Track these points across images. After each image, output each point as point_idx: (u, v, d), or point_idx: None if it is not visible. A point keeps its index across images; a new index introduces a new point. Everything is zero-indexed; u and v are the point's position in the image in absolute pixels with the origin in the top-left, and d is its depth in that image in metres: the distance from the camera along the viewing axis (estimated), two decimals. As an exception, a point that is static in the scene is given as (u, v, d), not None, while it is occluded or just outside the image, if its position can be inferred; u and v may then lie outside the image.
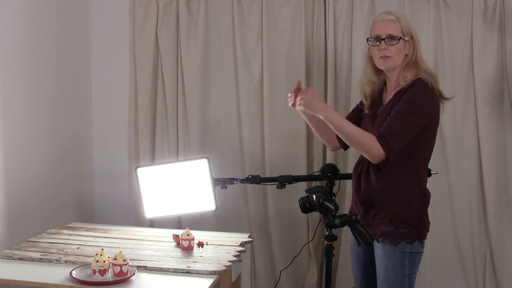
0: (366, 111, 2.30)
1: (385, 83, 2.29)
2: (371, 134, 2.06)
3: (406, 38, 2.14)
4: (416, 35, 2.18)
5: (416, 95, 2.08)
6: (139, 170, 2.63)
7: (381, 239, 2.14)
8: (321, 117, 2.11)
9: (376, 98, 2.29)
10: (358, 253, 2.28)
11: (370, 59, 2.26)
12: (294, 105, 2.25)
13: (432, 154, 2.23)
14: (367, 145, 2.05)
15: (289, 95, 2.30)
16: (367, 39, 2.22)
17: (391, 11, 2.22)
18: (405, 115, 2.07)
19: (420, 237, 2.14)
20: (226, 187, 2.65)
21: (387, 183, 2.14)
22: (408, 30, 2.16)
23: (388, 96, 2.23)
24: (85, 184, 3.36)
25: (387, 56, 2.14)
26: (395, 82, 2.20)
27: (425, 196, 2.19)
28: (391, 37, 2.13)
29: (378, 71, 2.26)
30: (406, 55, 2.17)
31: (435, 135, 2.20)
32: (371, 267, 2.23)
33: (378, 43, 2.15)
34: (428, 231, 2.19)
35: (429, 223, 2.20)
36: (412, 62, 2.16)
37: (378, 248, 2.16)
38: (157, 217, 2.72)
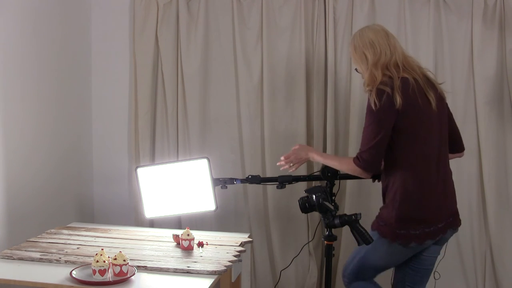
0: None
1: None
2: (349, 158, 2.28)
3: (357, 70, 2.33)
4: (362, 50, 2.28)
5: (368, 106, 2.19)
6: (139, 170, 2.64)
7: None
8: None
9: None
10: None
11: None
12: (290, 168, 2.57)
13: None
14: (348, 169, 2.26)
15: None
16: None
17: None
18: (365, 128, 2.20)
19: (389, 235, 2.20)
20: (226, 187, 2.65)
21: (385, 183, 2.26)
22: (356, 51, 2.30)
23: None
24: (85, 184, 3.36)
25: None
26: None
27: (406, 193, 2.18)
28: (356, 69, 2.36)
29: None
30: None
31: (410, 134, 2.18)
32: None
33: None
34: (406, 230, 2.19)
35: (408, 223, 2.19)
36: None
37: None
38: (157, 217, 2.72)
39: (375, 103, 2.11)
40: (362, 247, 2.22)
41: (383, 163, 2.25)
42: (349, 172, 2.26)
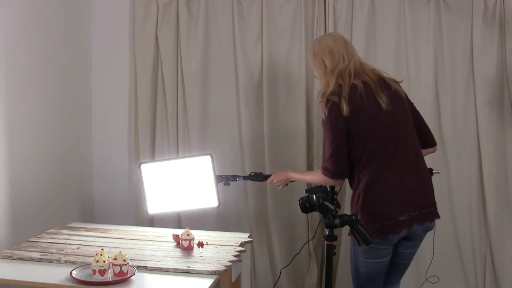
0: None
1: None
2: (319, 170, 2.33)
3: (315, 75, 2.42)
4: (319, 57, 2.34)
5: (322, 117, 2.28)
6: (143, 166, 2.64)
7: None
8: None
9: None
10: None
11: None
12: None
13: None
14: (320, 181, 2.32)
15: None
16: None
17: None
18: (325, 139, 2.32)
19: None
20: (229, 184, 2.67)
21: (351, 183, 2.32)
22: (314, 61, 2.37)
23: None
24: (85, 184, 3.37)
25: None
26: None
27: (361, 190, 2.22)
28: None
29: None
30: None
31: (360, 136, 2.21)
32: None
33: None
34: (376, 225, 2.18)
35: (376, 215, 2.19)
36: None
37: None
38: (160, 213, 2.73)
39: (324, 113, 2.22)
40: (351, 257, 2.29)
41: None
42: (322, 183, 2.31)
